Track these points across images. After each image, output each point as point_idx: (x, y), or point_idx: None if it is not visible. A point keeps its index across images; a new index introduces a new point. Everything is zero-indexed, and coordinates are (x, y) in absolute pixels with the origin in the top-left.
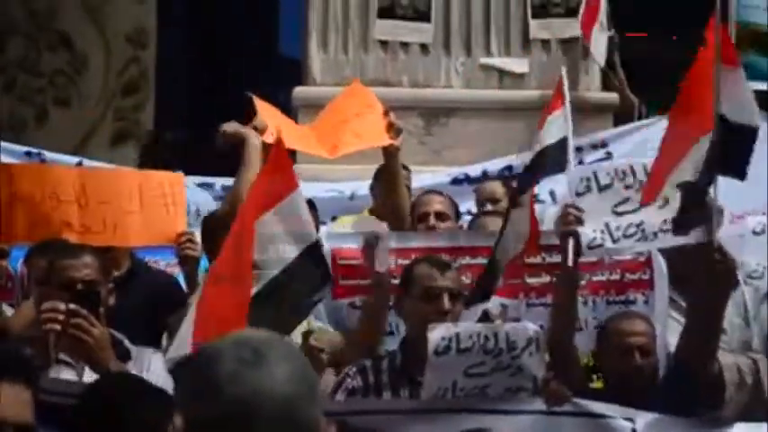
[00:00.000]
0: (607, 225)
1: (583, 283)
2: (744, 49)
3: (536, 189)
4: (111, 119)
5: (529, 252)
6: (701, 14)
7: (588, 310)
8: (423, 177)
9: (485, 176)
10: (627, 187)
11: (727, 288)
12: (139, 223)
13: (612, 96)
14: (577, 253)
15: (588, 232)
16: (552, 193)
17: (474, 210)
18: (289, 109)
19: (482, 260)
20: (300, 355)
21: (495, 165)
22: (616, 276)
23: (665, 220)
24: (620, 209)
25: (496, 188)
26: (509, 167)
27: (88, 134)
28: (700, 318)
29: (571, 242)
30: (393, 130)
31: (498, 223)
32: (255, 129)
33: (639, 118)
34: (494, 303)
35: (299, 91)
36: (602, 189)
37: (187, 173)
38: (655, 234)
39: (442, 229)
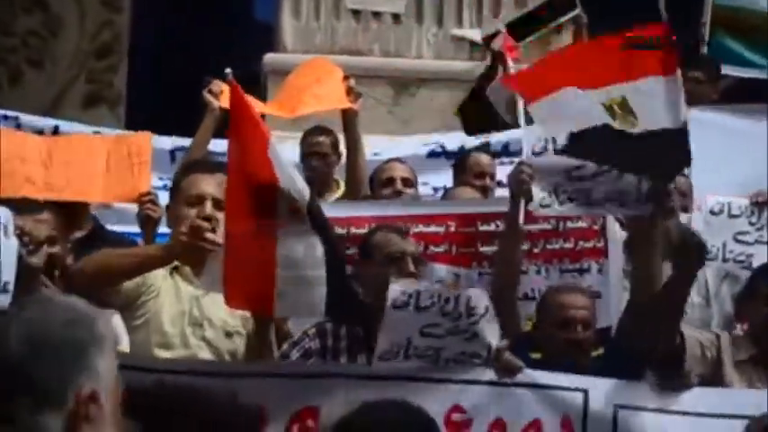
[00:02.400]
0: (556, 187)
1: (536, 251)
2: (719, 32)
3: None
4: (83, 80)
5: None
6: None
7: (541, 279)
8: (399, 148)
9: (461, 151)
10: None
11: (694, 267)
12: (103, 182)
13: None
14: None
15: (538, 192)
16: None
17: (450, 185)
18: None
19: (435, 228)
20: None
21: (472, 141)
22: (570, 245)
23: (614, 190)
24: (574, 173)
25: (482, 160)
26: (487, 144)
27: (60, 95)
28: (642, 288)
29: (522, 199)
30: (353, 93)
31: (469, 193)
32: (211, 92)
33: None
34: (447, 272)
35: (269, 57)
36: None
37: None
38: (601, 201)
39: (407, 195)
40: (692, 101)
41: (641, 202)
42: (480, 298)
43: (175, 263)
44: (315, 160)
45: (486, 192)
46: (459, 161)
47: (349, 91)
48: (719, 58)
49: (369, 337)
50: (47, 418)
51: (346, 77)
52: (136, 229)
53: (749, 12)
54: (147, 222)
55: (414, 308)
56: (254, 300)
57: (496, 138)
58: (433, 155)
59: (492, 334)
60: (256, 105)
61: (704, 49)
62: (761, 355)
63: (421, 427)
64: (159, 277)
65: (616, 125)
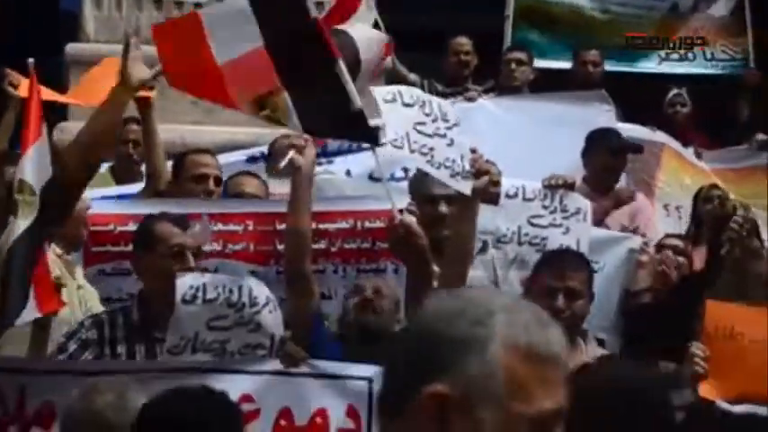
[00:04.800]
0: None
1: (334, 249)
2: (522, 26)
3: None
4: None
5: None
6: None
7: (338, 278)
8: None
9: None
10: (426, 114)
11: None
12: None
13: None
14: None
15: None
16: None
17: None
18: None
19: (234, 227)
20: None
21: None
22: (367, 244)
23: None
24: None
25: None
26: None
27: None
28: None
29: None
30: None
31: (254, 184)
32: (12, 85)
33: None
34: (244, 270)
35: (71, 47)
36: (405, 105)
37: None
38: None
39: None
40: (513, 82)
41: (466, 178)
42: (261, 288)
43: None
44: (130, 147)
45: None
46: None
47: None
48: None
49: (146, 326)
50: None
51: None
52: None
53: (551, 3)
54: None
55: (202, 301)
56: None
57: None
58: (251, 160)
59: (275, 324)
60: (54, 96)
61: (507, 42)
62: None
63: (224, 412)
64: None
65: None
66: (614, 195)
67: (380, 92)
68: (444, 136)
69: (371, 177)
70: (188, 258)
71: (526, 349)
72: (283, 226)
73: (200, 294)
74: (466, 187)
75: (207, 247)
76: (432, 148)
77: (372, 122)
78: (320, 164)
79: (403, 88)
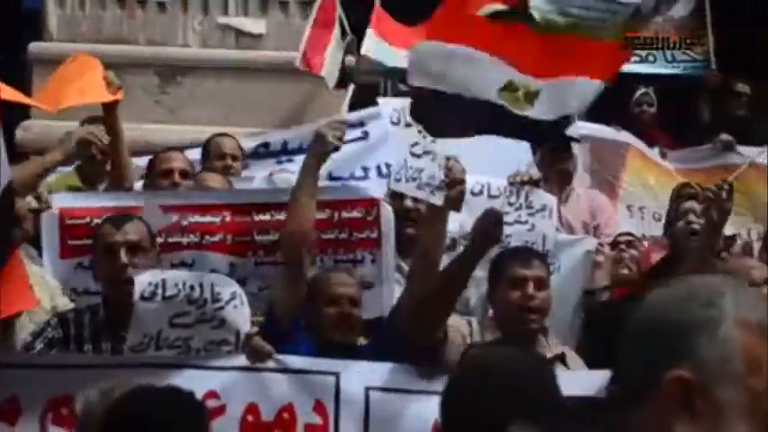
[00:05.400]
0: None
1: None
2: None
3: None
4: None
5: None
6: None
7: (316, 269)
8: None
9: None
10: (419, 132)
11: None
12: None
13: (350, 60)
14: None
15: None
16: None
17: None
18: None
19: (211, 218)
20: None
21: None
22: (344, 235)
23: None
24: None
25: (225, 142)
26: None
27: None
28: (418, 281)
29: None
30: (113, 86)
31: (218, 180)
32: None
33: (384, 94)
34: (222, 262)
35: (34, 46)
36: (407, 126)
37: None
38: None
39: (185, 187)
40: None
41: (440, 189)
42: (226, 284)
43: None
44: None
45: (228, 170)
46: (204, 145)
47: (109, 84)
48: None
49: (111, 324)
50: None
51: (105, 72)
52: None
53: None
54: None
55: (161, 297)
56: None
57: (274, 137)
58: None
59: (241, 320)
60: (17, 96)
61: None
62: (505, 338)
63: (190, 411)
64: None
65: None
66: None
67: (387, 114)
68: (430, 152)
69: (332, 177)
70: (119, 256)
71: (757, 325)
72: (260, 217)
73: (159, 291)
74: (439, 199)
75: (184, 239)
76: (421, 170)
77: None
78: (280, 162)
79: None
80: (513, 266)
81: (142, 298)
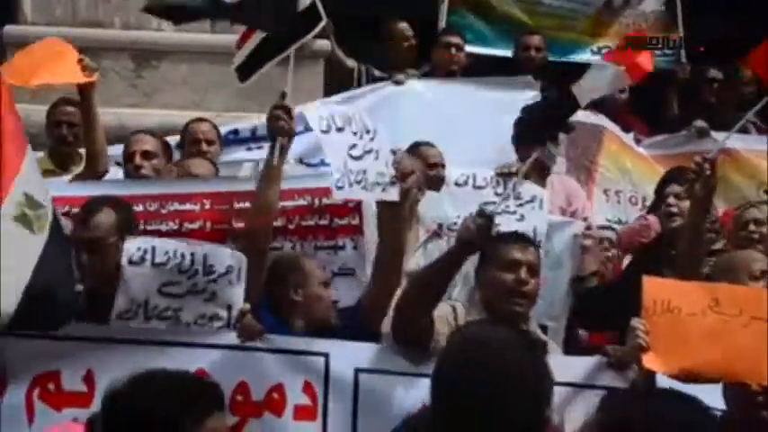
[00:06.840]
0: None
1: (291, 227)
2: (461, 12)
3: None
4: None
5: None
6: None
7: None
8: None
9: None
10: (354, 133)
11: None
12: None
13: (325, 43)
14: None
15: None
16: None
17: None
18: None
19: (191, 206)
20: None
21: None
22: (325, 221)
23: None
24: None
25: (202, 127)
26: (235, 131)
27: None
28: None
29: None
30: (87, 68)
31: (206, 166)
32: None
33: (359, 80)
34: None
35: (9, 29)
36: (339, 130)
37: None
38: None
39: (148, 168)
40: (449, 66)
41: (393, 185)
42: (222, 256)
43: None
44: (64, 129)
45: (203, 155)
46: (181, 132)
47: (84, 68)
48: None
49: (93, 313)
50: None
51: (81, 56)
52: None
53: None
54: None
55: (150, 264)
56: None
57: (243, 125)
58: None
59: (234, 296)
60: None
61: (442, 25)
62: (491, 320)
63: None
64: None
65: None
66: None
67: (316, 123)
68: (371, 151)
69: (302, 161)
70: (81, 254)
71: None
72: (240, 204)
73: (148, 257)
74: (393, 195)
75: (163, 227)
76: (364, 171)
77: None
78: (250, 149)
79: (335, 112)
80: (508, 249)
81: (130, 262)
